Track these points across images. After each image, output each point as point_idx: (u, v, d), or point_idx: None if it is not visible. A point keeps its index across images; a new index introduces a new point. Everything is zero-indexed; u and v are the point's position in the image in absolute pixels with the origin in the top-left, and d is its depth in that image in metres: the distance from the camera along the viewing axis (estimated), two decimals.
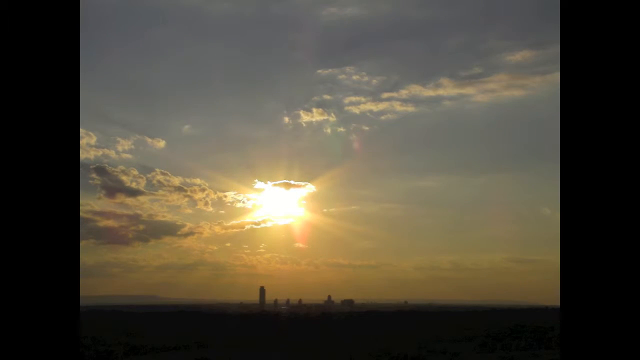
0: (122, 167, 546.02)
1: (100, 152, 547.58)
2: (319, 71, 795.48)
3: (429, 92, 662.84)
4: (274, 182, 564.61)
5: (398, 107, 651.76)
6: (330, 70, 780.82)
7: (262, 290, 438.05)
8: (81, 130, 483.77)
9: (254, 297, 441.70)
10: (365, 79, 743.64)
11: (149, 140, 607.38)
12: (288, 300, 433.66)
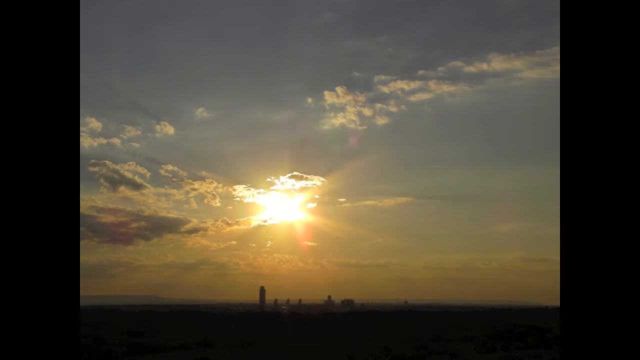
0: (126, 160, 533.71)
1: (105, 141, 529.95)
2: (350, 42, 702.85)
3: (469, 68, 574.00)
4: (286, 175, 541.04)
5: (432, 85, 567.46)
6: (362, 41, 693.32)
7: (262, 290, 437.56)
8: (86, 117, 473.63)
9: (257, 297, 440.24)
10: (401, 51, 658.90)
11: (158, 127, 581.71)
12: (288, 300, 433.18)
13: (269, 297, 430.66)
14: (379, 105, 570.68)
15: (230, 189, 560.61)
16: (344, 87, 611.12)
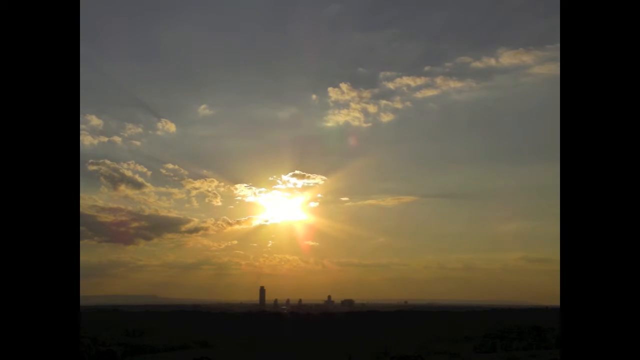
0: (127, 158, 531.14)
1: (106, 139, 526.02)
2: (356, 36, 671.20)
3: (477, 64, 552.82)
4: (288, 174, 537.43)
5: (439, 81, 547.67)
6: (368, 35, 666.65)
7: (262, 291, 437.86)
8: (86, 114, 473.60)
9: (257, 297, 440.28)
10: (407, 46, 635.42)
11: (159, 124, 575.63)
12: (288, 300, 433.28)
13: (270, 297, 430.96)
14: (383, 102, 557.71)
15: (231, 188, 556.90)
16: (349, 83, 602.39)
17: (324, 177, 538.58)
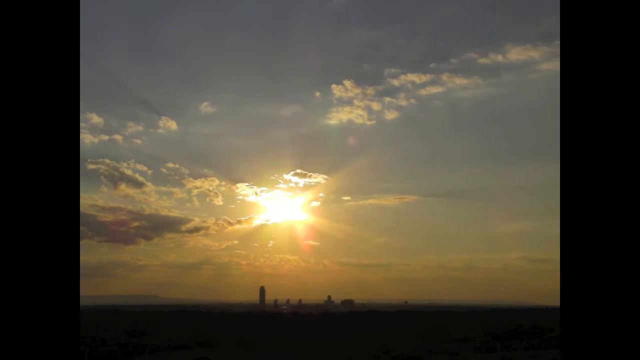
0: (128, 157, 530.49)
1: (107, 138, 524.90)
2: (360, 32, 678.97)
3: (484, 60, 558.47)
4: (290, 173, 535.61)
5: (444, 78, 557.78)
6: (373, 30, 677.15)
7: (262, 290, 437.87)
8: (87, 112, 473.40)
9: (257, 297, 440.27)
10: (413, 42, 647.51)
11: (160, 122, 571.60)
12: (288, 300, 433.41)
13: (270, 297, 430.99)
14: (387, 99, 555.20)
15: (232, 187, 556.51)
16: (352, 81, 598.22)
17: (326, 176, 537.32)
